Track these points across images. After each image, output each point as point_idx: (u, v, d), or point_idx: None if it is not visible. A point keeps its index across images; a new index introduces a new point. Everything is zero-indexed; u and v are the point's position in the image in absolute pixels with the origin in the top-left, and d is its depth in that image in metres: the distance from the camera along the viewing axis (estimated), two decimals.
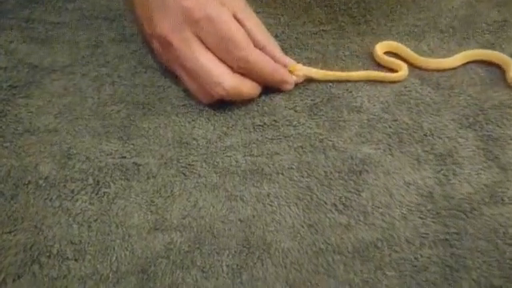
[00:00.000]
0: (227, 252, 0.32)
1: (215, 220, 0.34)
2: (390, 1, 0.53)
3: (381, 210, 0.34)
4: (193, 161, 0.38)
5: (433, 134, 0.39)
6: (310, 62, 0.47)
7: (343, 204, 0.35)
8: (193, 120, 0.41)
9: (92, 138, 0.39)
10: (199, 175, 0.37)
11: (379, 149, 0.39)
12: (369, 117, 0.41)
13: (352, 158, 0.38)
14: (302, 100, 0.43)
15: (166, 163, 0.38)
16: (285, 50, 0.48)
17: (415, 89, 0.43)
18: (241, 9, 0.42)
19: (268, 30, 0.50)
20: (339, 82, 0.43)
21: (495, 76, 0.44)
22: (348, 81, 0.43)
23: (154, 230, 0.33)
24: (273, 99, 0.43)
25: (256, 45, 0.41)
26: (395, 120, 0.41)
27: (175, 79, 0.44)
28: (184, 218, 0.34)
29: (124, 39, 0.49)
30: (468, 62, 0.45)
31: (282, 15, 0.52)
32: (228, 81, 0.39)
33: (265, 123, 0.41)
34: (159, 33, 0.40)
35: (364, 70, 0.46)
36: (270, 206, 0.35)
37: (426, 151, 0.38)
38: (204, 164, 0.38)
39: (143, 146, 0.39)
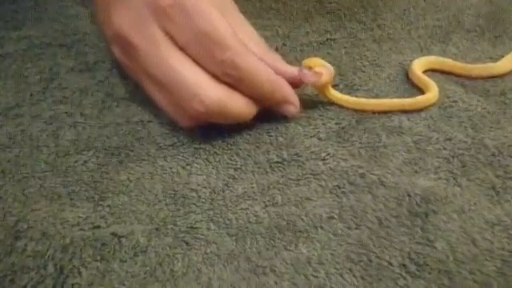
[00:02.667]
0: None
1: None
2: (399, 2, 0.46)
3: (469, 267, 0.25)
4: (196, 221, 0.27)
5: (502, 153, 0.31)
6: None
7: (415, 263, 0.25)
8: (187, 164, 0.31)
9: (50, 203, 0.28)
10: (207, 242, 0.26)
11: (440, 179, 0.29)
12: (414, 138, 0.32)
13: (409, 195, 0.28)
14: (324, 124, 0.34)
15: (158, 229, 0.27)
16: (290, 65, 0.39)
17: (461, 98, 0.35)
18: (228, 10, 0.32)
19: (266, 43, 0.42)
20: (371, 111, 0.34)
21: None
22: (384, 111, 0.34)
23: None
24: (286, 125, 0.34)
25: None
26: (449, 139, 0.32)
27: (158, 110, 0.34)
28: None
29: (87, 68, 0.39)
30: None
31: (279, 26, 0.43)
32: (208, 92, 0.29)
33: (284, 159, 0.31)
34: (117, 31, 0.30)
35: (390, 81, 0.37)
36: (315, 276, 0.24)
37: (501, 176, 0.29)
38: (212, 224, 0.27)
39: (124, 208, 0.28)
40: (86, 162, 0.31)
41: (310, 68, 0.32)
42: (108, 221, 0.27)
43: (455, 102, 0.35)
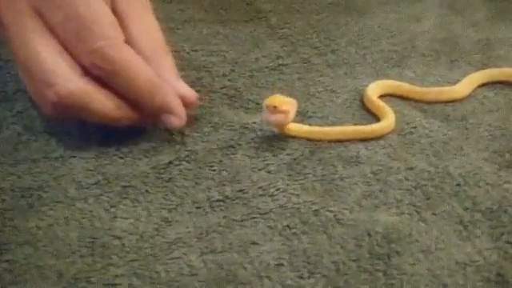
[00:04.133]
0: None
1: None
2: (352, 29, 0.44)
3: None
4: (115, 276, 0.22)
5: (468, 183, 0.28)
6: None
7: None
8: (112, 205, 0.26)
9: None
10: None
11: (403, 213, 0.26)
12: (373, 168, 0.29)
13: (369, 234, 0.25)
14: (274, 155, 0.30)
15: None
16: (238, 91, 0.36)
17: (421, 124, 0.32)
18: (136, 5, 0.28)
19: (212, 69, 0.38)
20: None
21: (510, 98, 0.35)
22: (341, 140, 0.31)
23: None
24: (231, 157, 0.30)
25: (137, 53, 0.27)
26: (410, 168, 0.29)
27: (84, 141, 0.30)
28: None
29: (5, 98, 0.34)
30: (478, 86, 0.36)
31: (228, 52, 0.40)
32: (66, 83, 0.26)
33: (227, 196, 0.27)
34: None
35: (346, 107, 0.35)
36: None
37: (469, 208, 0.26)
38: (135, 279, 0.22)
39: (27, 263, 0.23)
40: None
41: (274, 107, 0.29)
42: (4, 280, 0.22)
43: (415, 128, 0.32)
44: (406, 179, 0.28)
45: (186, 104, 0.29)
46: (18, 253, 0.23)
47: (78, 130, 0.31)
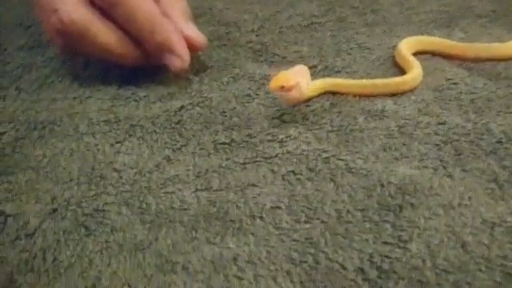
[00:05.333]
0: None
1: None
2: None
3: (453, 278, 0.18)
4: (105, 203, 0.22)
5: (511, 140, 0.24)
6: (301, 58, 0.32)
7: (377, 268, 0.18)
8: (118, 141, 0.26)
9: None
10: (112, 228, 0.21)
11: (426, 167, 0.23)
12: (399, 122, 0.26)
13: (382, 184, 0.22)
14: (292, 106, 0.28)
15: (56, 210, 0.22)
16: (264, 46, 0.34)
17: (463, 81, 0.29)
18: None
19: (241, 25, 0.37)
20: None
21: None
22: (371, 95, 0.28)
23: None
24: (246, 105, 0.28)
25: None
26: (442, 123, 0.25)
27: (103, 84, 0.30)
28: None
29: (39, 45, 0.35)
30: None
31: (260, 10, 0.39)
32: (69, 10, 0.27)
33: (233, 140, 0.26)
34: None
35: (379, 64, 0.31)
36: (239, 278, 0.18)
37: (508, 167, 0.22)
38: (124, 208, 0.22)
39: (26, 185, 0.23)
40: (1, 134, 0.26)
41: (282, 87, 0.25)
42: (0, 198, 0.22)
43: (456, 84, 0.28)
44: (436, 134, 0.25)
45: (192, 47, 0.29)
46: (20, 176, 0.23)
47: (100, 74, 0.31)
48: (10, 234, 0.20)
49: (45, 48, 0.34)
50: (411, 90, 0.28)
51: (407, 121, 0.26)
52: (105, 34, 0.27)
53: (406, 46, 0.31)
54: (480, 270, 0.18)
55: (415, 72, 0.28)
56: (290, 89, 0.25)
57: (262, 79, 0.30)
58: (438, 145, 0.24)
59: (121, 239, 0.20)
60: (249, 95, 0.29)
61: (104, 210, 0.21)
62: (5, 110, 0.29)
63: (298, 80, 0.26)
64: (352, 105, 0.28)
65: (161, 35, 0.27)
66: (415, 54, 0.31)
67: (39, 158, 0.25)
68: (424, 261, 0.18)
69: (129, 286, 0.18)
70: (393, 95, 0.28)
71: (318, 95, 0.28)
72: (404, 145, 0.24)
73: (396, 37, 0.34)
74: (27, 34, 0.36)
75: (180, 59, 0.28)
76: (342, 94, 0.28)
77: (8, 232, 0.20)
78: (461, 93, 0.28)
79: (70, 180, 0.23)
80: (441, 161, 0.23)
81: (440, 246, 0.19)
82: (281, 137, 0.25)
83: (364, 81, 0.29)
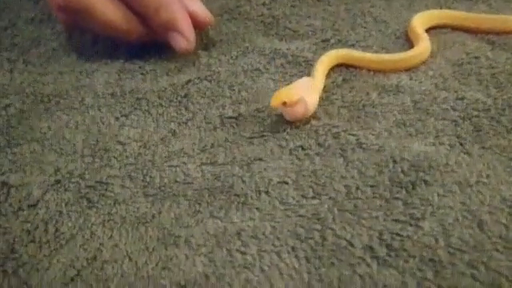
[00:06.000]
0: None
1: None
2: None
3: (468, 258, 0.17)
4: (108, 176, 0.21)
5: None
6: (314, 31, 0.31)
7: (387, 246, 0.17)
8: (123, 115, 0.25)
9: None
10: (115, 201, 0.20)
11: (443, 144, 0.22)
12: (414, 98, 0.25)
13: (395, 160, 0.21)
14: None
15: (59, 182, 0.21)
16: (275, 19, 0.33)
17: (485, 55, 0.27)
18: None
19: (249, 2, 0.36)
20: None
21: None
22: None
23: None
24: (255, 80, 0.27)
25: None
26: (461, 98, 0.24)
27: (110, 59, 0.29)
28: (67, 287, 0.17)
29: (48, 19, 0.34)
30: None
31: None
32: None
33: (240, 114, 0.25)
34: None
35: (395, 38, 0.30)
36: (242, 253, 0.18)
37: None
38: (128, 181, 0.21)
39: (31, 157, 0.23)
40: (7, 106, 0.26)
41: (284, 104, 0.23)
42: (4, 168, 0.22)
43: (476, 58, 0.27)
44: (454, 109, 0.23)
45: (197, 24, 0.28)
46: (25, 147, 0.23)
47: (107, 48, 0.31)
48: (13, 205, 0.20)
49: (53, 22, 0.34)
50: (417, 66, 0.26)
51: (423, 96, 0.25)
52: (109, 11, 0.26)
53: (419, 21, 0.29)
54: (497, 250, 0.17)
55: (421, 47, 0.27)
56: (293, 104, 0.23)
57: (272, 53, 0.29)
58: (455, 121, 0.23)
59: (123, 212, 0.20)
60: (258, 69, 0.28)
61: (107, 183, 0.21)
62: (12, 82, 0.28)
63: (302, 94, 0.23)
64: (365, 80, 0.26)
65: (166, 13, 0.26)
66: (433, 29, 0.30)
67: (44, 131, 0.24)
68: (437, 239, 0.17)
69: (130, 258, 0.18)
70: (408, 70, 0.27)
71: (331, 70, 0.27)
72: (419, 121, 0.23)
73: (414, 11, 0.32)
74: (36, 8, 0.36)
75: (185, 39, 0.27)
76: (350, 66, 0.27)
77: (11, 202, 0.20)
78: (481, 67, 0.26)
79: (74, 152, 0.23)
80: (458, 137, 0.22)
81: (454, 224, 0.18)
82: None
83: (369, 54, 0.28)
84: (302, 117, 0.23)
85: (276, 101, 0.23)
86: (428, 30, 0.29)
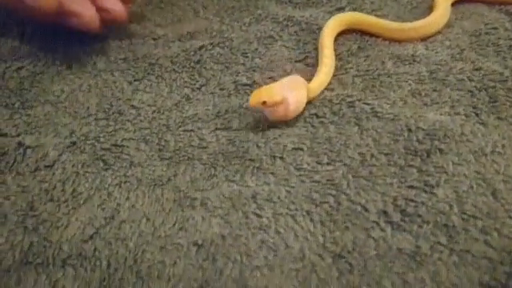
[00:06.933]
0: None
1: (152, 259, 0.17)
2: None
3: (482, 224, 0.17)
4: (123, 139, 0.22)
5: None
6: None
7: (402, 211, 0.18)
8: (136, 79, 0.25)
9: None
10: (131, 163, 0.20)
11: (458, 114, 0.22)
12: (430, 68, 0.24)
13: (410, 129, 0.21)
14: (316, 48, 0.27)
15: (75, 144, 0.21)
16: None
17: (503, 26, 0.27)
18: None
19: None
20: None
21: None
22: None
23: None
24: (268, 47, 0.27)
25: None
26: (477, 69, 0.24)
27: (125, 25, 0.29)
28: (86, 244, 0.17)
29: None
30: None
31: None
32: None
33: (254, 81, 0.25)
34: None
35: (412, 7, 0.29)
36: (258, 216, 0.18)
37: None
38: (143, 145, 0.21)
39: (45, 119, 0.23)
40: (19, 68, 0.26)
41: (264, 103, 0.21)
42: (19, 129, 0.22)
43: (495, 28, 0.26)
44: (470, 80, 0.23)
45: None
46: (39, 109, 0.23)
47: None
48: (30, 165, 0.20)
49: None
50: (430, 36, 0.26)
51: (439, 66, 0.24)
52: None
53: None
54: (510, 217, 0.17)
55: (436, 14, 0.26)
56: (273, 105, 0.21)
57: (286, 21, 0.29)
58: (471, 91, 0.23)
59: (139, 174, 0.20)
60: (271, 37, 0.28)
61: (122, 146, 0.21)
62: (22, 45, 0.28)
63: (285, 94, 0.21)
64: (381, 49, 0.26)
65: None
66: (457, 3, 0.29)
67: (57, 93, 0.24)
68: (451, 206, 0.17)
69: (147, 219, 0.18)
70: (424, 40, 0.26)
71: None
72: (435, 91, 0.23)
73: None
74: None
75: (77, 18, 0.25)
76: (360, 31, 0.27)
77: (27, 163, 0.20)
78: (499, 38, 0.26)
79: (88, 115, 0.23)
80: (474, 107, 0.22)
81: (468, 192, 0.18)
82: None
83: (381, 21, 0.27)
84: (283, 118, 0.21)
85: (255, 100, 0.21)
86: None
